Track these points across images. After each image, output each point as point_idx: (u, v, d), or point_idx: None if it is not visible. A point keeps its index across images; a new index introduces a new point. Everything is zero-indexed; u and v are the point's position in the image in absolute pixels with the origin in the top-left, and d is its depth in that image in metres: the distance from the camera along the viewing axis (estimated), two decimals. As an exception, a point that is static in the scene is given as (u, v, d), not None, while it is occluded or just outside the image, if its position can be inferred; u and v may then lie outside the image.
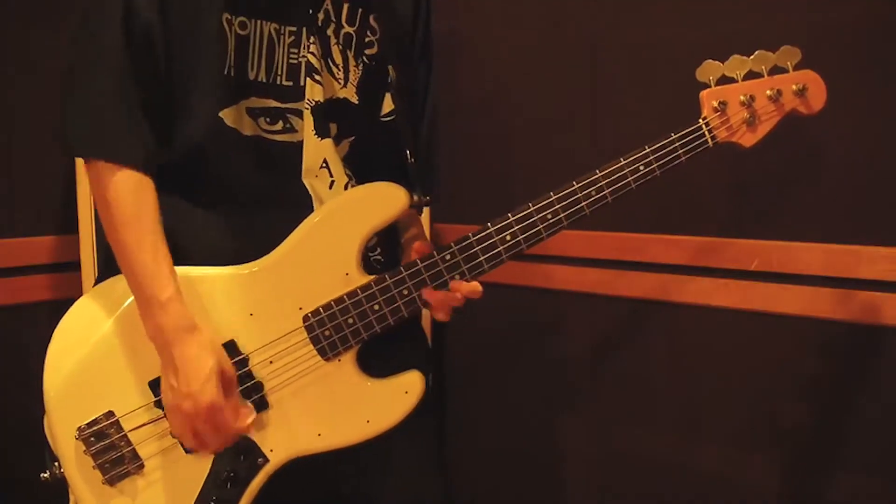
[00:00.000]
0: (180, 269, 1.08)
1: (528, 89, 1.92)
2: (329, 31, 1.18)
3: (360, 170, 1.20)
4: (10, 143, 1.77)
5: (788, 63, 1.32)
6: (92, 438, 1.04)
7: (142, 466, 1.06)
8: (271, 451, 1.09)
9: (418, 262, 1.14)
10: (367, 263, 1.17)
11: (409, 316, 1.13)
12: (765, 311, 1.56)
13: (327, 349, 1.10)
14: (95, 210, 1.62)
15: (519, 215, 1.17)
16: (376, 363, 1.15)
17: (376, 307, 1.12)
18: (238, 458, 1.07)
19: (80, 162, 1.65)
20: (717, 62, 1.30)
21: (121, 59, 1.04)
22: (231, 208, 1.12)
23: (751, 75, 1.32)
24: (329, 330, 1.10)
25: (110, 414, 1.05)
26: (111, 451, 1.05)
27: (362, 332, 1.11)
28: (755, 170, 1.59)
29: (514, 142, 1.95)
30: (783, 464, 1.58)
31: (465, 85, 1.87)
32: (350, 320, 1.11)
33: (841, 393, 1.52)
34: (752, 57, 1.31)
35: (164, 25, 1.06)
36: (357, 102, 1.20)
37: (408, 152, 1.20)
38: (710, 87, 1.30)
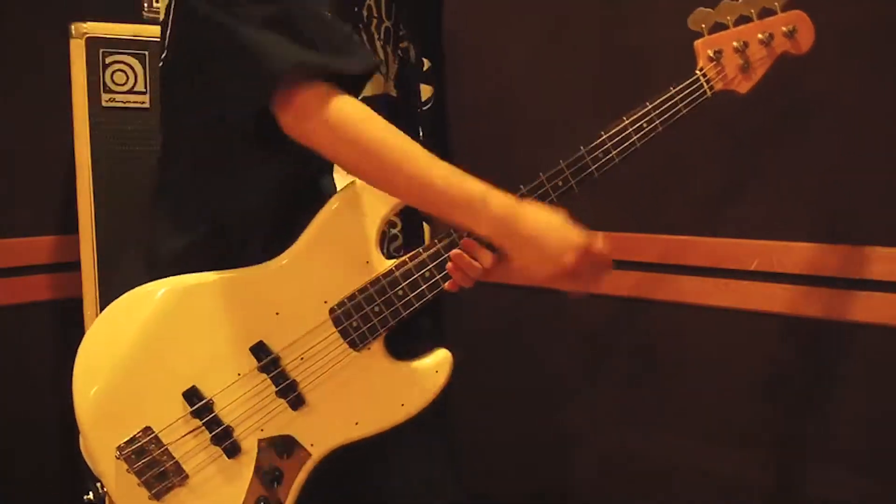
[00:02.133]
0: (199, 276, 1.05)
1: (532, 91, 1.91)
2: (373, 28, 1.16)
3: None
4: (10, 143, 1.76)
5: (776, 3, 1.32)
6: (133, 456, 1.03)
7: (186, 478, 1.05)
8: (312, 445, 1.09)
9: (436, 241, 1.13)
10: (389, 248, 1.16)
11: (434, 298, 1.13)
12: (764, 311, 1.56)
13: (357, 340, 1.10)
14: (96, 210, 1.60)
15: (532, 193, 1.17)
16: (400, 343, 1.15)
17: (400, 292, 1.11)
18: (281, 456, 1.08)
19: (80, 162, 1.63)
20: (707, 9, 1.29)
21: None
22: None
23: (741, 20, 1.33)
24: (357, 321, 1.09)
25: (148, 430, 1.04)
26: (154, 466, 1.04)
27: (390, 320, 1.11)
28: (756, 169, 1.60)
29: (517, 143, 1.93)
30: (783, 463, 1.58)
31: (469, 87, 1.81)
32: (377, 308, 1.10)
33: (841, 393, 1.51)
34: (740, 1, 1.31)
35: None
36: (396, 96, 1.19)
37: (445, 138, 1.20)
38: (703, 35, 1.31)
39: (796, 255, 1.53)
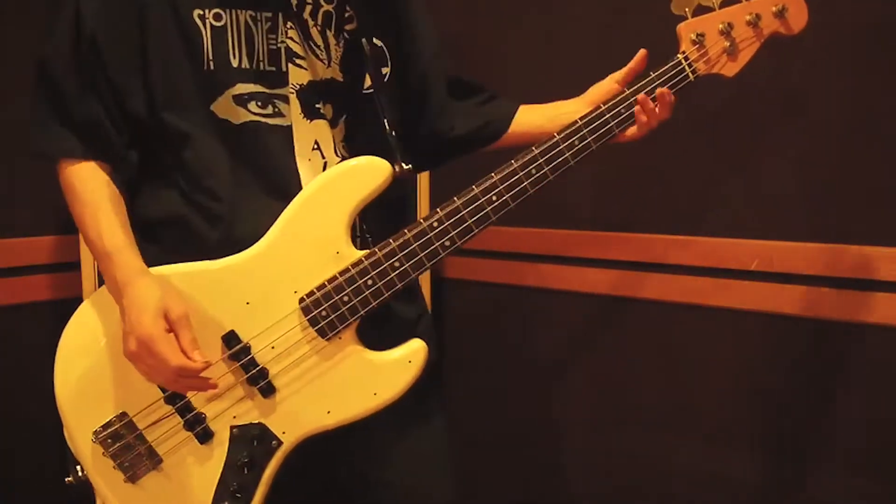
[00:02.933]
0: (172, 267, 1.09)
1: (529, 88, 1.87)
2: (306, 14, 1.18)
3: (358, 148, 1.19)
4: (10, 143, 1.73)
5: (766, -15, 1.28)
6: (109, 440, 1.07)
7: (160, 462, 1.09)
8: (283, 433, 1.11)
9: (406, 231, 1.14)
10: (361, 240, 1.18)
11: (405, 287, 1.14)
12: (765, 311, 1.55)
13: (326, 329, 1.11)
14: None
15: (503, 174, 1.17)
16: (378, 334, 1.17)
17: (370, 282, 1.12)
18: (252, 443, 1.10)
19: None
20: (691, -8, 1.27)
21: (74, 60, 1.10)
22: (226, 196, 1.12)
23: (728, 2, 1.30)
24: (326, 310, 1.11)
25: (123, 415, 1.08)
26: (129, 450, 1.07)
27: (359, 309, 1.12)
28: (756, 170, 1.58)
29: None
30: (782, 463, 1.57)
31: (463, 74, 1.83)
32: (346, 298, 1.11)
33: (841, 393, 1.50)
34: (728, -18, 1.28)
35: (130, 40, 1.10)
36: (342, 80, 1.20)
37: (385, 122, 1.19)
38: (686, 19, 1.28)
39: (796, 255, 1.52)
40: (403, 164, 1.17)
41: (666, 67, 1.24)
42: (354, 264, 1.12)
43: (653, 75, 1.23)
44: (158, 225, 1.16)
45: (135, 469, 1.08)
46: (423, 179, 2.01)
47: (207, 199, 1.13)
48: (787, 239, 1.53)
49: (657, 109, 1.21)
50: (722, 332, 1.62)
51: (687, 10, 1.27)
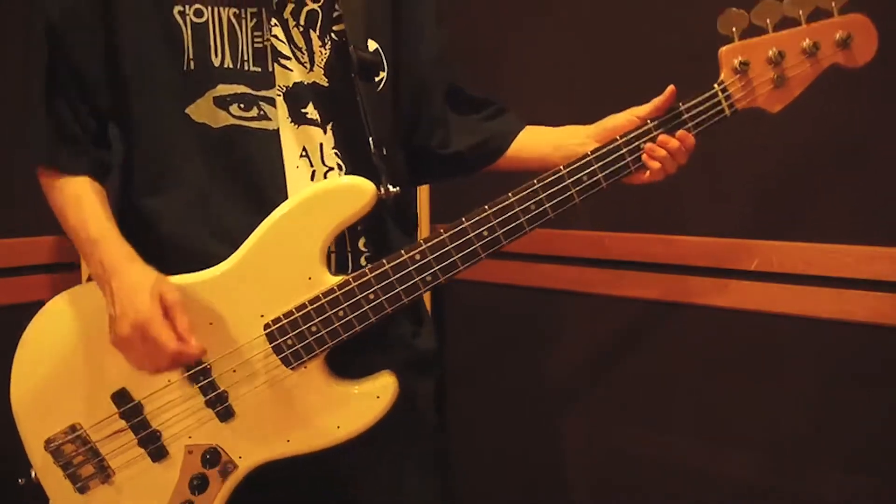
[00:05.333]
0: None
1: (531, 91, 1.80)
2: (287, 13, 1.07)
3: (350, 157, 1.10)
4: (10, 143, 1.70)
5: (833, 4, 1.10)
6: (60, 450, 1.05)
7: (112, 476, 1.06)
8: (240, 457, 1.07)
9: (385, 262, 1.05)
10: (354, 256, 1.10)
11: (379, 321, 1.06)
12: (765, 311, 1.52)
13: (291, 358, 1.05)
14: None
15: (497, 207, 1.06)
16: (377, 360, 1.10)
17: (341, 314, 1.05)
18: (206, 465, 1.06)
19: None
20: (740, 10, 1.09)
21: (44, 76, 1.04)
22: (203, 206, 1.05)
23: (784, 24, 1.12)
24: (292, 339, 1.04)
25: (75, 427, 1.05)
26: (79, 462, 1.05)
27: (327, 340, 1.05)
28: (756, 170, 1.54)
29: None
30: (782, 463, 1.56)
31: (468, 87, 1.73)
32: (313, 328, 1.04)
33: (841, 393, 1.48)
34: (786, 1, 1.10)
35: (101, 35, 1.03)
36: (327, 85, 1.09)
37: (370, 140, 1.08)
38: (732, 41, 1.12)
39: (796, 255, 1.48)
40: (390, 187, 1.07)
41: (699, 99, 1.09)
42: (326, 293, 1.04)
43: (682, 107, 1.09)
44: (145, 236, 1.08)
45: (85, 481, 1.06)
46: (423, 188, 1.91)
47: (199, 210, 1.05)
48: (787, 239, 1.49)
49: (674, 154, 1.07)
50: (722, 333, 1.60)
51: (734, 29, 1.10)
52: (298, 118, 1.08)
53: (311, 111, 1.08)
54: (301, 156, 1.08)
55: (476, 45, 1.87)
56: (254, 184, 1.06)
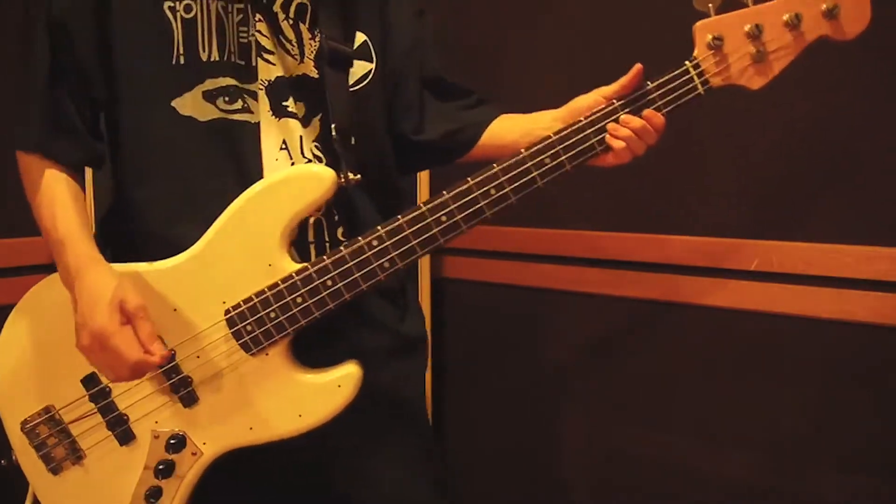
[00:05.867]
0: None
1: (527, 89, 1.80)
2: (276, 7, 1.10)
3: (330, 149, 1.11)
4: (10, 143, 1.76)
5: (819, -26, 1.04)
6: (34, 431, 1.08)
7: (81, 457, 1.09)
8: (204, 444, 1.08)
9: (342, 248, 1.05)
10: (333, 246, 1.10)
11: (337, 308, 1.05)
12: (765, 311, 1.51)
13: (251, 344, 1.05)
14: (96, 210, 1.62)
15: (455, 191, 1.04)
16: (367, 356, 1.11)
17: (299, 300, 1.05)
18: (171, 451, 1.08)
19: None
20: (718, -17, 1.05)
21: (45, 65, 1.08)
22: (189, 199, 1.08)
23: (766, -3, 1.06)
24: (251, 324, 1.05)
25: (49, 409, 1.08)
26: (52, 443, 1.08)
27: (286, 326, 1.05)
28: (756, 170, 1.53)
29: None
30: (782, 463, 1.53)
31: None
32: (272, 314, 1.05)
33: (841, 393, 1.46)
34: (769, -29, 1.04)
35: (97, 28, 1.07)
36: (317, 77, 1.11)
37: (332, 127, 1.09)
38: (709, 17, 1.06)
39: (796, 255, 1.48)
40: (350, 174, 1.07)
41: (669, 77, 1.04)
42: (284, 279, 1.04)
43: (650, 86, 1.04)
44: (105, 222, 1.15)
45: (57, 461, 1.09)
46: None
47: (181, 200, 1.08)
48: (787, 239, 1.49)
49: (640, 134, 1.02)
50: (722, 333, 1.58)
51: (711, 5, 1.05)
52: (279, 111, 1.10)
53: (291, 105, 1.10)
54: (281, 148, 1.10)
55: (475, 43, 1.88)
56: (237, 176, 1.08)
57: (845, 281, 1.41)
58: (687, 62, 1.04)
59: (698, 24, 1.04)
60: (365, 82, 1.15)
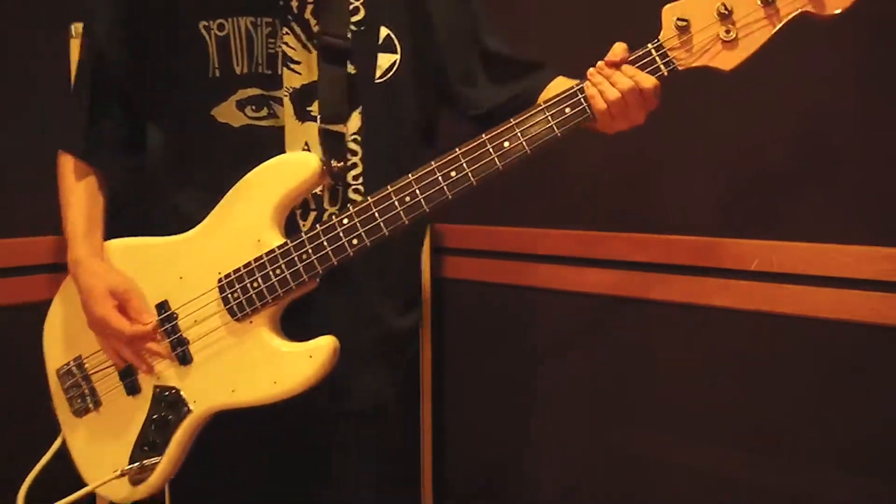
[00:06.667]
0: (124, 240, 1.24)
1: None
2: (307, 14, 1.19)
3: (375, 136, 1.21)
4: (10, 142, 1.74)
5: (802, -49, 0.99)
6: (65, 377, 1.26)
7: (99, 404, 1.24)
8: (194, 402, 1.18)
9: (318, 226, 1.13)
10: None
11: (310, 279, 1.13)
12: (765, 311, 1.51)
13: (236, 309, 1.15)
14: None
15: (419, 174, 1.09)
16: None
17: (278, 271, 1.14)
18: (167, 405, 1.19)
19: None
20: (687, -33, 1.03)
21: (86, 79, 1.26)
22: (212, 191, 1.20)
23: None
24: (237, 292, 1.16)
25: (78, 358, 1.25)
26: (77, 388, 1.25)
27: (266, 295, 1.14)
28: (756, 170, 1.53)
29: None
30: (782, 464, 1.52)
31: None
32: (255, 283, 1.15)
33: (841, 393, 1.46)
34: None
35: (134, 48, 1.22)
36: (350, 73, 1.20)
37: (318, 117, 1.18)
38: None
39: (796, 255, 1.47)
40: (334, 162, 1.16)
41: (631, 58, 1.03)
42: (268, 253, 1.14)
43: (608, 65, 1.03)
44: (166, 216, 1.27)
45: (80, 405, 1.25)
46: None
47: (201, 200, 1.20)
48: (787, 239, 1.48)
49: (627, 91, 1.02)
50: (722, 333, 1.58)
51: (685, -10, 1.04)
52: (303, 115, 1.19)
53: (315, 109, 1.19)
54: (303, 149, 1.21)
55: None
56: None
57: (845, 281, 1.40)
58: (649, 45, 1.02)
59: (667, 6, 1.03)
60: (390, 73, 1.22)
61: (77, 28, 1.59)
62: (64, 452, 1.28)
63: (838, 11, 0.97)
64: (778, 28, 0.99)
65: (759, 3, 0.99)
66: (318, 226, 1.13)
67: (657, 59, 1.02)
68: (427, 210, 1.09)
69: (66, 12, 1.67)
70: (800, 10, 0.98)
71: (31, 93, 1.80)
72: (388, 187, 1.10)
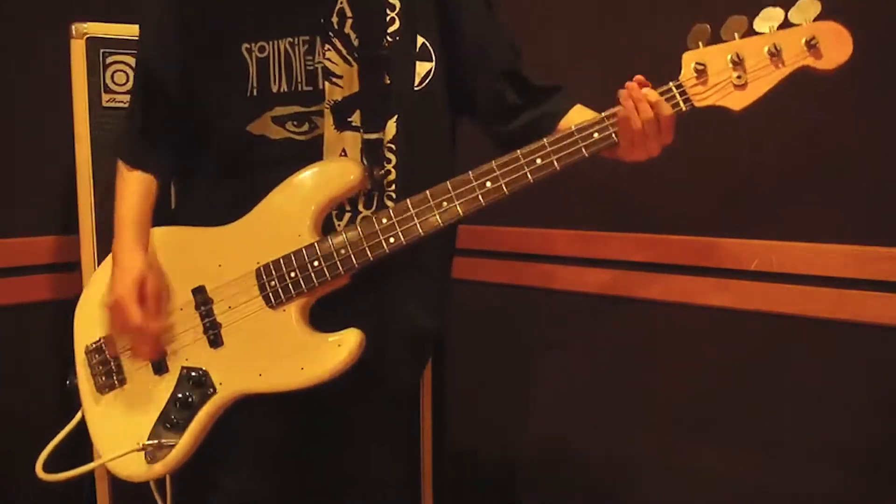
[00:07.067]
0: (171, 228, 1.32)
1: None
2: (347, 29, 1.26)
3: (409, 143, 1.27)
4: (10, 143, 1.75)
5: (803, 19, 1.15)
6: (93, 354, 1.30)
7: (124, 381, 1.28)
8: (220, 384, 1.23)
9: (357, 225, 1.22)
10: None
11: (346, 272, 1.21)
12: (765, 311, 1.53)
13: (271, 297, 1.23)
14: (96, 210, 1.66)
15: (456, 181, 1.20)
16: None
17: (315, 263, 1.22)
18: (193, 385, 1.24)
19: (80, 162, 1.67)
20: (705, 25, 1.18)
21: (139, 96, 1.35)
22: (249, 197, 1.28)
23: (752, 34, 1.18)
24: (274, 281, 1.23)
25: (108, 336, 1.30)
26: (103, 366, 1.29)
27: (302, 285, 1.22)
28: (756, 169, 1.56)
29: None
30: (782, 463, 1.53)
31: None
32: (292, 273, 1.22)
33: (841, 393, 1.47)
34: (757, 17, 1.17)
35: (181, 68, 1.29)
36: (388, 83, 1.27)
37: (361, 128, 1.26)
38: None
39: (796, 255, 1.50)
40: (376, 170, 1.26)
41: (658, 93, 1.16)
42: (307, 248, 1.23)
43: (637, 102, 1.16)
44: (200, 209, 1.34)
45: (104, 382, 1.29)
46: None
47: (236, 199, 1.28)
48: (787, 239, 1.51)
49: (649, 127, 1.13)
50: (721, 332, 1.59)
51: (701, 43, 1.19)
52: (342, 126, 1.26)
53: (356, 119, 1.26)
54: (340, 156, 1.27)
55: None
56: None
57: (845, 281, 1.41)
58: (671, 83, 1.16)
59: (688, 52, 1.18)
60: (426, 81, 1.29)
61: (78, 28, 1.63)
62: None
63: (834, 67, 1.12)
64: (782, 77, 1.13)
65: (766, 55, 1.14)
66: (356, 225, 1.22)
67: (677, 95, 1.15)
68: (462, 215, 1.19)
69: (66, 12, 1.68)
70: (802, 64, 1.13)
71: (31, 93, 1.81)
72: (427, 192, 1.20)
